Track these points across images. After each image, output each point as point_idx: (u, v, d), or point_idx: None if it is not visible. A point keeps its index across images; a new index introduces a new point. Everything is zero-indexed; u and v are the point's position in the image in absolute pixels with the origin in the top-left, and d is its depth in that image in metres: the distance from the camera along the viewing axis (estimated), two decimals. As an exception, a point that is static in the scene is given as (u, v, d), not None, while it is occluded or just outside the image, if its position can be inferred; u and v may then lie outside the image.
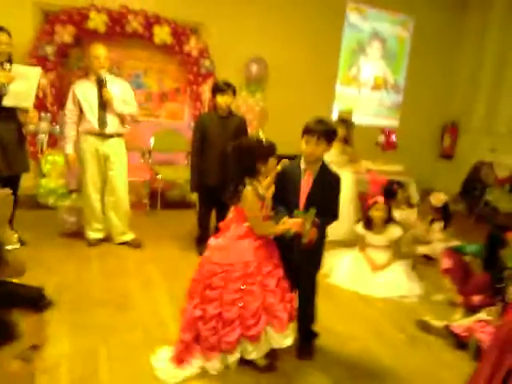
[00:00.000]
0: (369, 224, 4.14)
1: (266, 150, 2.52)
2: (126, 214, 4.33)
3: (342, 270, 4.07)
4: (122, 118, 4.15)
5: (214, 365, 2.54)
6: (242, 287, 2.46)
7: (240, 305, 2.45)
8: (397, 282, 3.92)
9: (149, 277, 3.78)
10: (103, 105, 4.01)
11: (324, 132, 2.56)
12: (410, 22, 7.06)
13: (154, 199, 5.47)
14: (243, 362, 2.61)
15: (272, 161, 2.53)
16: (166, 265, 4.03)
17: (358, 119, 6.79)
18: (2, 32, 3.61)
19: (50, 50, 4.97)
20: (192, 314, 2.55)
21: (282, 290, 2.55)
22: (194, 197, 4.26)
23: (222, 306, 2.48)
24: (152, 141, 5.66)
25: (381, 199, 4.11)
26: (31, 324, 2.83)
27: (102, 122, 4.03)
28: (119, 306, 3.23)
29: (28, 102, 3.72)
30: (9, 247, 2.72)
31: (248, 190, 2.48)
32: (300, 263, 2.67)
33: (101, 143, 4.09)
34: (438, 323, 3.28)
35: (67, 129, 4.10)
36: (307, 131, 2.57)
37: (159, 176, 5.36)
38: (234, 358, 2.54)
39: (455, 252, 3.76)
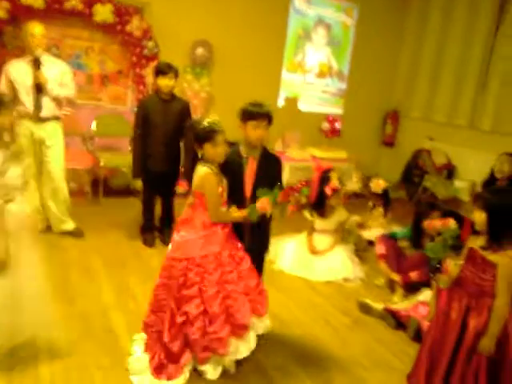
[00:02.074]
0: (321, 210, 4.23)
1: (199, 134, 2.40)
2: (64, 202, 4.17)
3: (286, 256, 4.14)
4: (58, 101, 3.99)
5: (211, 368, 2.40)
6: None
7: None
8: (339, 266, 4.05)
9: (91, 266, 3.68)
10: (38, 87, 3.82)
11: (270, 115, 2.57)
12: (353, 9, 7.14)
13: (97, 187, 5.26)
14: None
15: (209, 146, 2.39)
16: (109, 254, 3.93)
17: (303, 106, 6.89)
18: None
19: (-19, 26, 4.67)
20: (174, 321, 2.37)
21: (256, 274, 2.53)
22: (138, 184, 4.16)
23: (205, 303, 2.33)
24: (93, 125, 5.45)
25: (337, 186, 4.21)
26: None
27: (37, 105, 3.85)
28: (59, 297, 3.10)
29: None
30: None
31: (205, 172, 2.39)
32: (251, 245, 2.66)
33: (36, 127, 3.91)
34: (378, 305, 3.41)
35: None
36: (255, 116, 2.53)
37: (102, 163, 5.16)
38: (227, 358, 2.42)
39: (388, 238, 3.91)
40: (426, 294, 3.31)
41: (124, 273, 3.61)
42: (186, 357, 2.39)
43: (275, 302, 3.37)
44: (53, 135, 4.01)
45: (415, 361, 2.54)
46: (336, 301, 3.62)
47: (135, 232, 4.36)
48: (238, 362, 2.55)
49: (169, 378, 2.36)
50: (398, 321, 3.26)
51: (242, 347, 2.42)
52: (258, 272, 2.80)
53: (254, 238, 2.66)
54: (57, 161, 4.06)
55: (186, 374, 2.40)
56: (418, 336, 3.05)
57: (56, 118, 4.03)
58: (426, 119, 7.10)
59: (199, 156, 2.44)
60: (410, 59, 7.44)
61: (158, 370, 2.39)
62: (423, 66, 7.17)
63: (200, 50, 5.91)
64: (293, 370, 2.68)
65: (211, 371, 2.41)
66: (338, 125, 6.28)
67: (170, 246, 2.53)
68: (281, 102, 6.73)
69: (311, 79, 7.07)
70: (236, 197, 2.57)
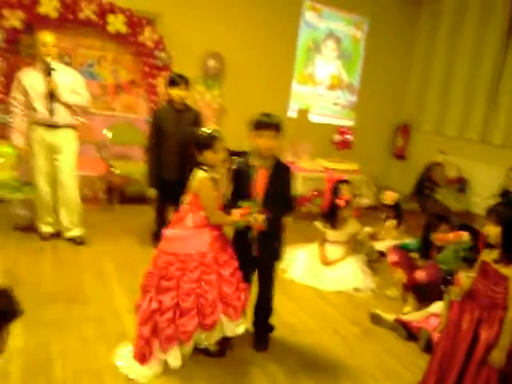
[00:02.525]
0: (333, 221, 4.23)
1: (199, 141, 2.52)
2: (75, 209, 4.16)
3: (298, 265, 4.12)
4: (72, 109, 4.01)
5: (173, 357, 2.49)
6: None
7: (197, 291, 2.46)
8: (351, 276, 4.02)
9: (104, 271, 3.71)
10: (50, 94, 3.86)
11: (279, 125, 2.62)
12: (364, 22, 7.19)
13: (111, 194, 5.33)
14: (195, 349, 2.62)
15: (209, 153, 2.51)
16: (122, 259, 3.96)
17: (314, 118, 6.92)
18: None
19: (-2, 35, 4.75)
20: (148, 307, 2.50)
21: (237, 280, 2.58)
22: (152, 192, 4.19)
23: (179, 296, 2.46)
24: (107, 134, 5.50)
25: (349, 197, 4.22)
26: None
27: (50, 112, 3.88)
28: (73, 300, 3.17)
29: None
30: None
31: (202, 177, 2.50)
32: (259, 255, 2.69)
33: (49, 134, 3.95)
34: (389, 316, 3.36)
35: (15, 119, 3.94)
36: (263, 126, 2.58)
37: (115, 170, 5.20)
38: (189, 347, 2.54)
39: (400, 249, 3.89)
40: (437, 306, 3.25)
41: (137, 278, 3.55)
42: (155, 344, 2.49)
43: (286, 310, 3.37)
44: (65, 142, 4.03)
45: (425, 372, 2.51)
46: (346, 311, 3.58)
47: (148, 238, 4.38)
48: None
49: (142, 361, 2.47)
50: (409, 332, 3.22)
51: (204, 337, 2.54)
52: (268, 281, 2.84)
53: (264, 247, 2.67)
54: (67, 167, 4.07)
55: (159, 362, 2.49)
56: (429, 347, 3.00)
57: (69, 126, 4.05)
58: (438, 133, 7.09)
59: (198, 161, 2.54)
60: (420, 73, 7.45)
61: (138, 355, 2.49)
62: (434, 79, 7.17)
63: (212, 62, 5.98)
64: (301, 378, 2.65)
65: (173, 360, 2.50)
66: (349, 137, 6.28)
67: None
68: (291, 114, 6.76)
69: (322, 91, 7.11)
70: None
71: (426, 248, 3.72)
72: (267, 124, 2.58)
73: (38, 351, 2.57)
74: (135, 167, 5.28)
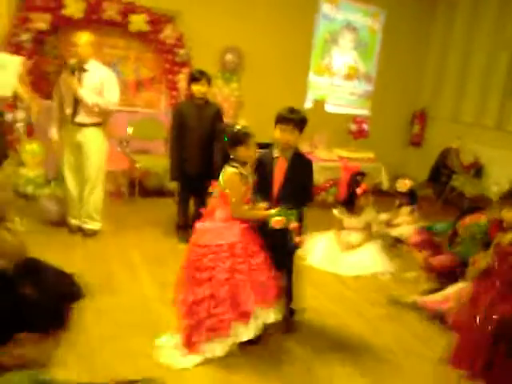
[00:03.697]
0: (351, 209, 4.38)
1: (232, 138, 2.61)
2: (94, 205, 4.24)
3: (317, 253, 4.26)
4: (97, 108, 4.03)
5: (216, 347, 2.60)
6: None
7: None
8: (370, 261, 4.17)
9: (131, 262, 3.86)
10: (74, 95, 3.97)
11: (298, 120, 2.75)
12: (381, 13, 7.23)
13: (133, 188, 5.49)
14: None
15: (242, 149, 2.60)
16: (147, 250, 4.11)
17: (330, 108, 7.02)
18: None
19: (25, 37, 4.91)
20: (187, 300, 2.61)
21: (269, 268, 2.69)
22: (173, 185, 4.32)
23: (213, 287, 2.56)
24: (129, 129, 5.67)
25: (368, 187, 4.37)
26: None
27: (74, 111, 4.00)
28: (104, 290, 3.26)
29: (7, 91, 3.65)
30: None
31: (231, 172, 2.60)
32: (280, 244, 2.76)
33: (75, 132, 4.06)
34: (409, 298, 3.50)
35: (53, 114, 4.13)
36: (282, 120, 2.73)
37: (138, 165, 5.38)
38: (230, 341, 2.61)
39: (425, 230, 3.97)
40: (455, 287, 3.38)
41: (162, 267, 3.76)
42: (200, 333, 2.59)
43: (308, 295, 3.43)
44: (90, 140, 4.10)
45: (453, 349, 2.59)
46: (367, 294, 3.73)
47: (171, 230, 4.53)
48: (246, 344, 2.68)
49: (189, 349, 2.60)
50: (428, 313, 3.35)
51: (244, 332, 2.60)
52: (286, 268, 2.93)
53: (279, 237, 2.72)
54: (93, 164, 4.13)
55: (203, 352, 2.60)
56: (447, 327, 3.09)
57: (95, 124, 4.11)
58: (454, 120, 7.13)
59: (230, 157, 2.64)
60: (436, 63, 7.48)
61: (186, 343, 2.62)
62: (450, 68, 7.21)
63: (229, 56, 6.10)
64: (328, 357, 2.80)
65: (218, 350, 2.61)
66: (365, 126, 6.37)
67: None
68: (308, 105, 6.86)
69: (338, 81, 7.19)
70: (264, 195, 2.74)
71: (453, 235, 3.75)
72: (284, 118, 2.73)
73: (78, 337, 2.67)
74: (156, 161, 5.46)
